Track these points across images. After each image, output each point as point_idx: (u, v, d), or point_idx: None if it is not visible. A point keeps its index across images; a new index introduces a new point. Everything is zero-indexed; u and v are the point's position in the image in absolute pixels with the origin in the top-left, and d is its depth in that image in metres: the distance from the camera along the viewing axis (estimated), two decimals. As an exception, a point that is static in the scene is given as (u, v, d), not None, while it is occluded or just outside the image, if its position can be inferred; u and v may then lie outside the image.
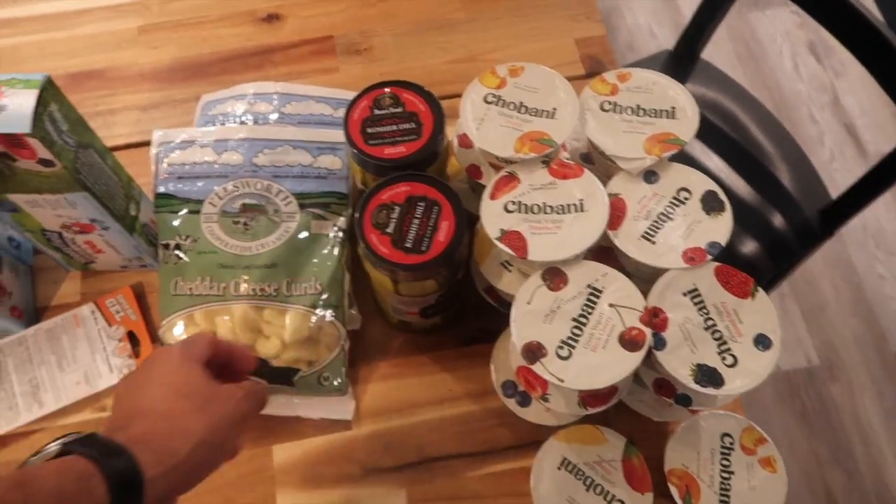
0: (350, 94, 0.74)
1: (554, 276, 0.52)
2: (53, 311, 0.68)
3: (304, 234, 0.63)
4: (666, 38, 1.65)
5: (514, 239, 0.52)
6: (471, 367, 0.66)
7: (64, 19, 0.83)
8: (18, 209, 0.58)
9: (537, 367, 0.48)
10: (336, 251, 0.63)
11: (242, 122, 0.70)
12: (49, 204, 0.57)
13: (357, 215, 0.55)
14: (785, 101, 1.58)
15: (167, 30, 0.83)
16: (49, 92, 0.51)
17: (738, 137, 1.00)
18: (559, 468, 0.56)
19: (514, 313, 0.51)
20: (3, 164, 0.52)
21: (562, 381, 0.48)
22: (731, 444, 0.57)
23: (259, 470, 0.62)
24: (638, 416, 0.61)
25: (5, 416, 0.62)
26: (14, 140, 0.49)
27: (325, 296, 0.62)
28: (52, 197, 0.56)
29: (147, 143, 0.67)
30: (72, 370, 0.64)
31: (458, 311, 0.66)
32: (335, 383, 0.62)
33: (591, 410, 0.53)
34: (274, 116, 0.70)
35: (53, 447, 0.39)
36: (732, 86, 1.05)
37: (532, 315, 0.50)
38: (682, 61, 1.05)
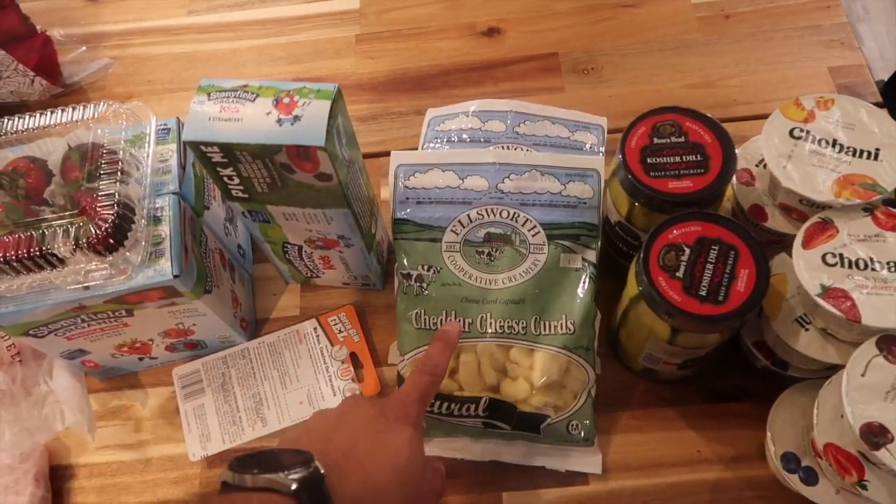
0: (586, 117, 0.70)
1: (892, 345, 0.44)
2: (272, 323, 0.66)
3: (552, 268, 0.58)
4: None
5: (840, 298, 0.45)
6: (721, 428, 0.59)
7: (283, 24, 0.82)
8: (271, 221, 0.56)
9: (882, 454, 0.41)
10: (586, 287, 0.58)
11: (474, 141, 0.66)
12: (305, 218, 0.55)
13: (641, 254, 0.50)
14: None
15: (385, 40, 0.81)
16: (338, 104, 0.48)
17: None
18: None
19: (846, 386, 0.44)
20: (279, 175, 0.49)
21: (915, 474, 0.40)
22: None
23: (489, 518, 0.57)
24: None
25: (229, 430, 0.60)
26: (303, 153, 0.46)
27: (577, 336, 0.57)
28: (312, 211, 0.53)
29: (367, 156, 0.63)
30: (294, 388, 0.62)
31: (710, 365, 0.60)
32: (584, 433, 0.56)
33: (920, 506, 0.45)
34: (508, 137, 0.66)
35: (291, 479, 0.37)
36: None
37: (869, 390, 0.43)
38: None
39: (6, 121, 0.53)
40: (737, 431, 0.58)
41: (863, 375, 0.44)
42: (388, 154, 0.61)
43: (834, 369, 0.49)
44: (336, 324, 0.64)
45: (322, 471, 0.39)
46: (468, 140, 0.66)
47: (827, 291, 0.46)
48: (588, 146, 0.66)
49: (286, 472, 0.38)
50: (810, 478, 0.52)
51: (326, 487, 0.39)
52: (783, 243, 0.55)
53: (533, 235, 0.59)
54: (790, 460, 0.52)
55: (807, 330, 0.51)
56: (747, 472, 0.57)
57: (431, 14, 0.82)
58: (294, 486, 0.37)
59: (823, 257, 0.47)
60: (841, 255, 0.47)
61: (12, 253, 0.46)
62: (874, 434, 0.42)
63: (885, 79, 0.97)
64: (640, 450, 0.59)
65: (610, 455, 0.59)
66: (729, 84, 0.75)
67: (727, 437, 0.59)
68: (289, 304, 0.67)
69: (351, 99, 0.79)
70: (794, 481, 0.52)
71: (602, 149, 0.66)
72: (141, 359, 0.62)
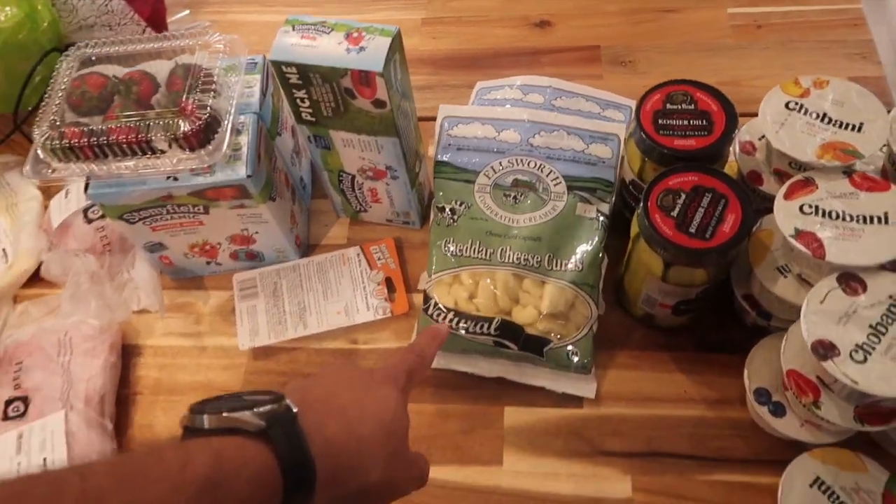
0: (618, 98, 0.78)
1: (850, 280, 0.51)
2: (322, 248, 0.76)
3: (569, 215, 0.66)
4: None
5: (810, 239, 0.52)
6: (709, 374, 0.65)
7: (361, 4, 0.94)
8: (331, 147, 0.66)
9: (828, 366, 0.47)
10: (598, 235, 0.66)
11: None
12: (360, 145, 0.64)
13: (643, 197, 0.57)
14: None
15: (448, 24, 0.91)
16: (396, 42, 0.57)
17: None
18: (811, 486, 0.54)
19: (805, 309, 0.50)
20: (342, 100, 0.59)
21: (856, 383, 0.46)
22: None
23: (489, 426, 0.64)
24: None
25: (275, 329, 0.69)
26: (364, 78, 0.56)
27: (584, 274, 0.64)
28: (367, 138, 0.63)
29: (420, 119, 0.72)
30: (334, 301, 0.71)
31: (703, 317, 0.66)
32: (583, 361, 0.63)
33: (868, 428, 0.51)
34: (545, 108, 0.75)
35: (258, 414, 0.34)
36: None
37: (824, 314, 0.50)
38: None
39: (125, 42, 0.65)
40: (723, 379, 0.64)
41: (822, 303, 0.50)
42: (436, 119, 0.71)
43: (807, 313, 0.55)
44: (376, 252, 0.73)
45: (294, 409, 0.35)
46: (509, 108, 0.75)
47: (799, 234, 0.52)
48: (615, 122, 0.74)
49: (251, 410, 0.34)
50: (778, 410, 0.58)
51: (300, 426, 0.35)
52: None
53: (555, 185, 0.67)
54: (762, 394, 0.58)
55: (785, 277, 0.57)
56: (728, 413, 0.63)
57: (492, 5, 0.92)
58: (262, 424, 0.33)
59: (801, 207, 0.54)
60: (816, 207, 0.54)
61: (123, 137, 0.57)
62: (824, 348, 0.48)
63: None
64: (632, 384, 0.65)
65: (604, 386, 0.65)
66: (753, 84, 0.82)
67: (714, 382, 0.65)
68: (338, 234, 0.77)
69: (411, 70, 0.89)
70: (763, 413, 0.58)
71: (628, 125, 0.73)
72: (208, 263, 0.72)
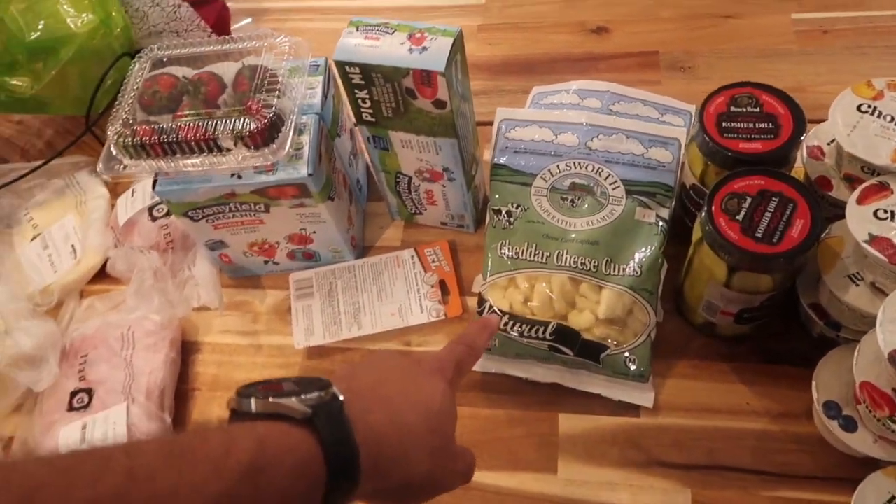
0: (677, 103, 0.77)
1: (930, 289, 0.48)
2: (377, 250, 0.76)
3: (627, 219, 0.65)
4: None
5: (885, 245, 0.50)
6: (773, 386, 0.63)
7: (418, 11, 0.95)
8: (389, 148, 0.66)
9: (907, 376, 0.45)
10: (657, 240, 0.64)
11: (573, 113, 0.74)
12: (419, 146, 0.65)
13: (706, 200, 0.56)
14: None
15: (504, 30, 0.91)
16: (458, 43, 0.58)
17: None
18: (885, 504, 0.52)
19: (882, 317, 0.48)
20: (403, 100, 0.60)
21: (937, 395, 0.44)
22: None
23: (544, 433, 0.63)
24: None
25: (330, 329, 0.70)
26: (426, 77, 0.56)
27: (642, 280, 0.63)
28: (426, 139, 0.63)
29: (478, 123, 0.73)
30: (389, 302, 0.71)
31: (767, 326, 0.64)
32: (640, 369, 0.62)
33: (948, 444, 0.49)
34: (602, 112, 0.74)
35: (305, 402, 0.34)
36: None
37: (902, 323, 0.48)
38: None
39: (195, 44, 0.67)
40: (788, 391, 0.62)
41: (899, 311, 0.48)
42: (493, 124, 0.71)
43: (880, 323, 0.53)
44: (431, 255, 0.74)
45: (341, 397, 0.35)
46: (567, 111, 0.75)
47: (874, 240, 0.50)
48: (674, 127, 0.73)
49: (298, 397, 0.34)
50: (849, 425, 0.55)
51: (346, 415, 0.35)
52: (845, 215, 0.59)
53: (613, 189, 0.66)
54: (832, 408, 0.56)
55: (857, 286, 0.55)
56: (793, 427, 0.61)
57: (548, 11, 0.92)
58: (308, 411, 0.33)
59: (875, 212, 0.52)
60: (892, 212, 0.52)
61: (191, 136, 0.59)
62: (902, 359, 0.46)
63: None
64: (691, 394, 0.64)
65: (662, 395, 0.64)
66: (819, 90, 0.79)
67: (777, 394, 0.62)
68: (392, 237, 0.77)
69: (468, 75, 0.90)
70: (833, 427, 0.55)
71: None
72: (266, 262, 0.74)
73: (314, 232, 0.69)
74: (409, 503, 0.42)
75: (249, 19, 0.97)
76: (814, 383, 0.57)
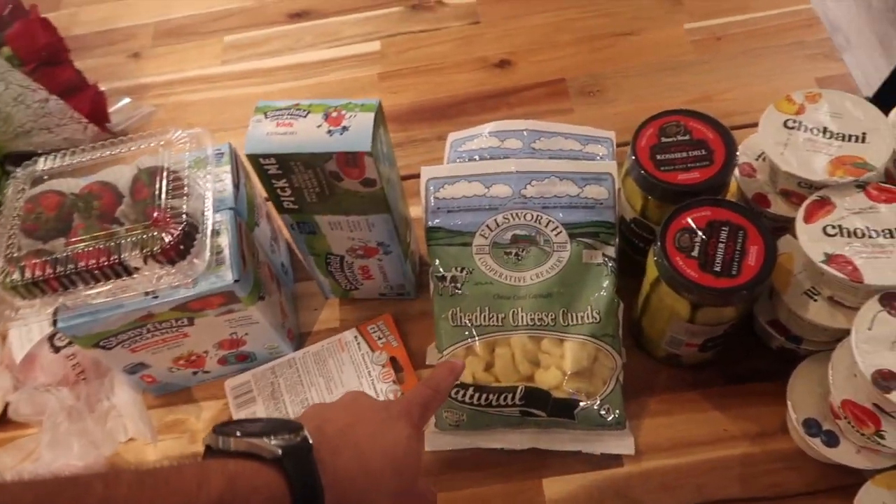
0: (596, 132, 0.76)
1: (893, 300, 0.49)
2: (315, 336, 0.70)
3: (575, 264, 0.63)
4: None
5: (843, 263, 0.50)
6: (744, 406, 0.62)
7: (310, 68, 0.90)
8: (317, 231, 0.61)
9: (894, 396, 0.45)
10: (609, 280, 0.63)
11: (495, 158, 0.71)
12: (349, 226, 0.60)
13: (658, 239, 0.55)
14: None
15: (405, 76, 0.88)
16: (379, 115, 0.54)
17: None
18: (882, 516, 0.52)
19: (856, 338, 0.48)
20: (328, 184, 0.55)
21: (927, 412, 0.44)
22: None
23: (531, 502, 0.60)
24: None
25: (281, 434, 0.64)
26: (352, 159, 0.52)
27: (602, 325, 0.61)
28: (356, 218, 0.59)
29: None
30: (339, 392, 0.65)
31: (729, 348, 0.64)
32: (616, 416, 0.60)
33: (937, 452, 0.49)
34: (525, 152, 0.72)
35: (275, 444, 0.35)
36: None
37: (876, 342, 0.47)
38: None
39: (77, 152, 0.59)
40: (759, 408, 0.62)
41: (870, 329, 0.48)
42: (416, 177, 0.67)
43: (843, 336, 0.53)
44: (375, 331, 0.69)
45: (311, 440, 0.37)
46: (489, 158, 0.72)
47: (830, 258, 0.50)
48: (599, 157, 0.71)
49: (270, 437, 0.36)
50: (832, 440, 0.55)
51: (314, 458, 0.37)
52: (786, 228, 0.59)
53: (556, 235, 0.64)
54: (811, 425, 0.56)
55: (815, 301, 0.55)
56: (773, 445, 0.60)
57: (446, 51, 0.89)
58: (278, 452, 0.35)
59: (824, 229, 0.52)
60: (840, 227, 0.52)
61: (92, 262, 0.52)
62: (885, 379, 0.46)
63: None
64: (669, 431, 0.62)
65: (641, 438, 0.62)
66: (725, 97, 0.81)
67: (751, 414, 0.62)
68: (329, 318, 0.72)
69: (377, 129, 0.86)
70: (816, 444, 0.55)
71: (613, 158, 0.71)
72: (195, 373, 0.66)
73: (246, 334, 0.63)
74: None
75: (128, 99, 0.88)
76: (789, 403, 0.57)
